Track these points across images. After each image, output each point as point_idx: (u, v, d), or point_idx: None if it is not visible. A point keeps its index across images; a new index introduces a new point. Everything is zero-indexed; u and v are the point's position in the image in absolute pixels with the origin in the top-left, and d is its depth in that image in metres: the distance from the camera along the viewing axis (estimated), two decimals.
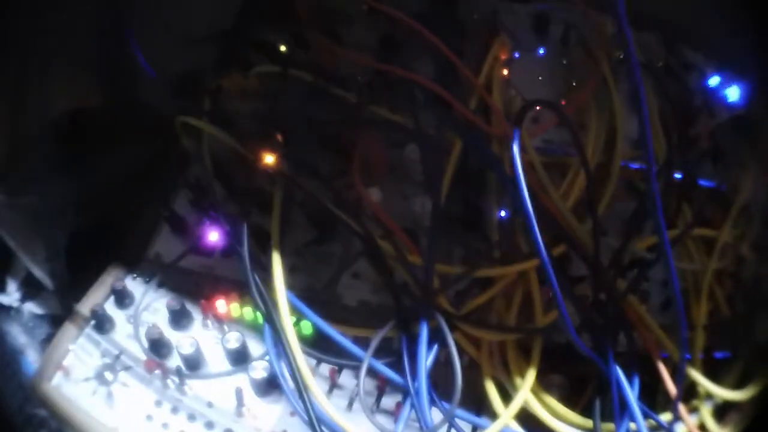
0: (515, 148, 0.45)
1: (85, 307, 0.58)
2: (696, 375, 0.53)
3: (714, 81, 0.65)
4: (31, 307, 0.67)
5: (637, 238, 0.53)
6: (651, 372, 0.52)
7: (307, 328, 0.55)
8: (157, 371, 0.55)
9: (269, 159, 0.55)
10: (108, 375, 0.55)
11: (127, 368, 0.56)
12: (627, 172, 0.57)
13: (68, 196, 0.65)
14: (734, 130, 0.62)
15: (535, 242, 0.45)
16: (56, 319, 0.64)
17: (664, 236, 0.43)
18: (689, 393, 0.54)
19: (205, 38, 0.66)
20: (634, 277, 0.52)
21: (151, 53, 0.65)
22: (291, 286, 0.54)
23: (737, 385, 0.56)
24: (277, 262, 0.52)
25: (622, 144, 0.56)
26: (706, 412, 0.54)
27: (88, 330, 0.58)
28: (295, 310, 0.53)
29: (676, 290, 0.44)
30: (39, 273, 0.65)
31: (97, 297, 0.60)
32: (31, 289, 0.67)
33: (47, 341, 0.59)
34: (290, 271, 0.57)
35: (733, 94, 0.63)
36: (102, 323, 0.58)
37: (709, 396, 0.54)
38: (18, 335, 0.65)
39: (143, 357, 0.56)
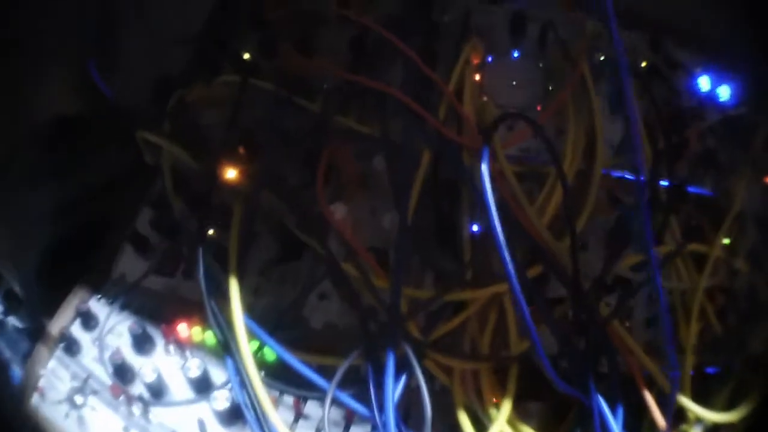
0: (484, 168, 0.41)
1: (54, 328, 0.56)
2: (685, 401, 0.49)
3: (703, 80, 0.61)
4: (14, 321, 0.65)
5: (621, 255, 0.49)
6: (635, 394, 0.48)
7: (271, 354, 0.51)
8: (123, 397, 0.52)
9: (231, 174, 0.51)
10: (78, 398, 0.53)
11: (95, 392, 0.53)
12: (608, 180, 0.53)
13: (44, 207, 0.62)
14: (726, 132, 0.58)
15: (504, 265, 0.41)
16: (36, 334, 0.61)
17: (654, 263, 0.38)
18: (678, 416, 0.50)
19: (180, 42, 0.62)
20: (618, 301, 0.47)
21: (126, 58, 0.62)
22: (254, 308, 0.51)
23: (729, 402, 0.52)
24: (234, 288, 0.48)
25: (602, 151, 0.52)
26: None
27: (59, 352, 0.55)
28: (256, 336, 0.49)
29: (667, 327, 0.40)
30: (15, 286, 0.61)
31: (64, 318, 0.57)
32: (13, 302, 0.64)
33: (29, 356, 0.56)
34: (254, 292, 0.53)
35: (724, 93, 0.59)
36: (70, 345, 0.55)
37: (699, 419, 0.50)
38: (3, 349, 0.63)
39: (109, 381, 0.53)
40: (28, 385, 0.54)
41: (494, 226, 0.39)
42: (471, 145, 0.50)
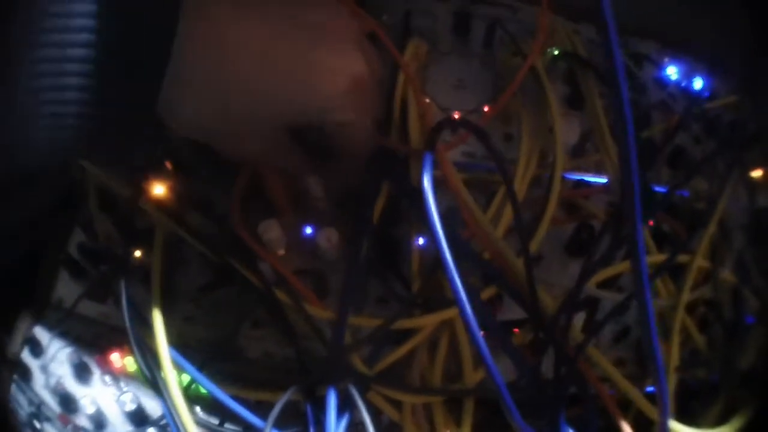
0: (426, 182, 0.31)
1: (10, 353, 0.48)
2: (673, 424, 0.39)
3: (671, 71, 0.51)
4: None
5: (593, 271, 0.39)
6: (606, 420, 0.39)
7: None
8: (70, 426, 0.46)
9: (157, 191, 0.42)
10: (36, 424, 0.46)
11: (48, 419, 0.46)
12: (563, 186, 0.43)
13: None
14: (702, 128, 0.48)
15: (454, 291, 0.31)
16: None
17: (644, 277, 0.29)
18: None
19: None
20: (591, 324, 0.38)
21: None
22: (187, 338, 0.42)
23: (718, 421, 0.43)
24: (158, 322, 0.39)
25: (562, 154, 0.42)
26: None
27: (16, 376, 0.48)
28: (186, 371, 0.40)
29: (656, 348, 0.30)
30: None
31: (15, 344, 0.48)
32: None
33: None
34: (185, 320, 0.44)
35: (697, 85, 0.49)
36: (23, 372, 0.48)
37: None
38: None
39: (58, 410, 0.46)
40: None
41: (441, 245, 0.30)
42: (413, 151, 0.40)
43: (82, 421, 0.46)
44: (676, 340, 0.43)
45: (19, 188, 0.51)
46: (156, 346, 0.39)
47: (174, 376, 0.39)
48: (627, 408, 0.41)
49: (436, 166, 0.40)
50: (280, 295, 0.39)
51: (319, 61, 0.37)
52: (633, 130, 0.26)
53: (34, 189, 0.53)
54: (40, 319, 0.48)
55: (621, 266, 0.41)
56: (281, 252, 0.42)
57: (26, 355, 0.48)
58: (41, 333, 0.48)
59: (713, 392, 0.45)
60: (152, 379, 0.40)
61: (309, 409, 0.38)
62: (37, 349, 0.48)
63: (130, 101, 0.32)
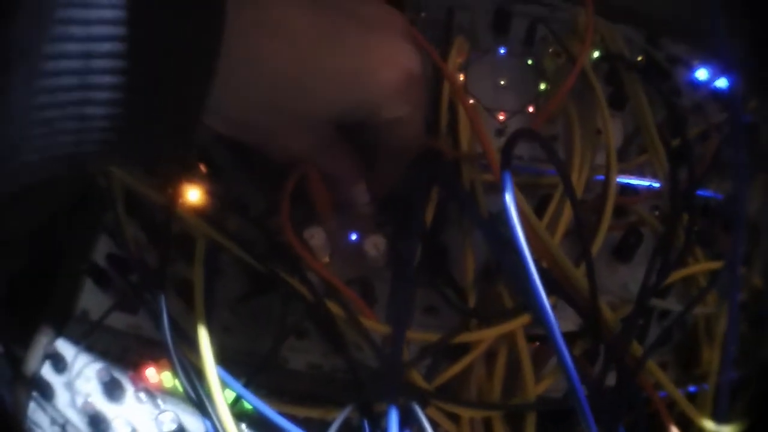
0: (508, 199, 0.29)
1: (27, 369, 0.43)
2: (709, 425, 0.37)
3: (701, 74, 0.49)
4: None
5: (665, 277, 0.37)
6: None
7: None
8: None
9: (192, 197, 0.39)
10: None
11: None
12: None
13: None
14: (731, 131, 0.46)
15: (543, 314, 0.29)
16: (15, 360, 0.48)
17: (735, 282, 0.27)
18: None
19: None
20: (653, 342, 0.35)
21: None
22: (225, 350, 0.38)
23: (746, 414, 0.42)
24: (204, 339, 0.35)
25: (615, 156, 0.39)
26: None
27: (35, 394, 0.43)
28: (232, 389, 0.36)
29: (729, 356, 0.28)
30: None
31: (34, 360, 0.44)
32: None
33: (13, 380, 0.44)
34: (223, 330, 0.41)
35: (722, 86, 0.47)
36: (43, 390, 0.43)
37: None
38: None
39: (85, 430, 0.42)
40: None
41: (528, 265, 0.27)
42: (466, 155, 0.38)
43: None
44: (718, 344, 0.42)
45: (27, 195, 0.47)
46: (202, 364, 0.35)
47: (221, 394, 0.36)
48: (670, 410, 0.40)
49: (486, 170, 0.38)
50: (332, 306, 0.36)
51: (374, 51, 0.33)
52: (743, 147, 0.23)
53: (46, 196, 0.49)
54: (62, 332, 0.44)
55: (676, 275, 0.39)
56: (326, 260, 0.39)
57: (48, 372, 0.43)
58: (65, 347, 0.44)
59: (742, 390, 0.44)
60: (196, 398, 0.36)
61: (366, 427, 0.35)
62: (60, 365, 0.43)
63: (177, 109, 0.28)
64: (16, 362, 0.47)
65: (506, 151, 0.29)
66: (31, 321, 0.46)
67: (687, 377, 0.43)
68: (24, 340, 0.45)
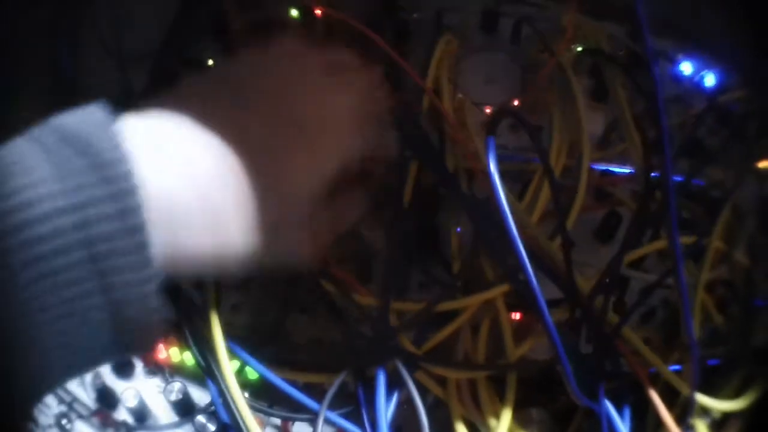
0: (491, 163, 0.33)
1: None
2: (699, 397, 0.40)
3: (686, 67, 0.53)
4: None
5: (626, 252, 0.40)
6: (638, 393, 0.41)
7: (254, 372, 0.42)
8: (108, 423, 0.45)
9: None
10: (65, 423, 0.45)
11: (81, 417, 0.45)
12: (592, 175, 0.44)
13: None
14: (715, 120, 0.49)
15: (528, 280, 0.33)
16: None
17: (678, 256, 0.30)
18: (683, 410, 0.42)
19: (140, 57, 0.53)
20: (631, 306, 0.39)
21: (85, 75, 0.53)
22: (234, 326, 0.43)
23: (735, 394, 0.45)
24: (214, 314, 0.39)
25: (589, 145, 0.43)
26: (703, 427, 0.42)
27: None
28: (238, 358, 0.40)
29: (689, 323, 0.32)
30: None
31: None
32: None
33: None
34: (232, 308, 0.45)
35: (710, 80, 0.51)
36: None
37: (705, 410, 0.42)
38: None
39: (93, 406, 0.45)
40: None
41: (511, 231, 0.31)
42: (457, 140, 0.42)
43: (122, 415, 0.45)
44: (697, 317, 0.44)
45: None
46: (211, 338, 0.39)
47: (228, 364, 0.39)
48: (654, 383, 0.43)
49: (474, 158, 0.42)
50: (326, 285, 0.40)
51: (285, 182, 0.32)
52: (666, 120, 0.27)
53: None
54: None
55: (649, 247, 0.43)
56: None
57: None
58: None
59: (731, 368, 0.47)
60: (206, 367, 0.40)
61: (360, 389, 0.39)
62: None
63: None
64: None
65: (492, 122, 0.33)
66: None
67: (672, 355, 0.47)
68: None
